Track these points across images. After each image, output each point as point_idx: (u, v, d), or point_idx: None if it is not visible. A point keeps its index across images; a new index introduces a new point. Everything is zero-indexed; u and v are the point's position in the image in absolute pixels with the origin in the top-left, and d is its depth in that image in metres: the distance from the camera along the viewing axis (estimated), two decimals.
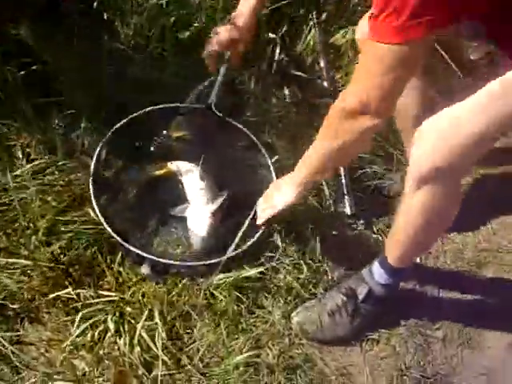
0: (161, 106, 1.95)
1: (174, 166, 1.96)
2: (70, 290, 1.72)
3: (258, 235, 1.82)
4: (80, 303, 1.72)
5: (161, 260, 1.76)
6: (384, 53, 1.35)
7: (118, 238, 1.76)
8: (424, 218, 1.55)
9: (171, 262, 1.78)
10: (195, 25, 2.11)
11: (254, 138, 1.98)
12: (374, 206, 2.07)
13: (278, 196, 1.78)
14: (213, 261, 1.78)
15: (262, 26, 2.16)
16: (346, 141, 1.53)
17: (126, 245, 1.76)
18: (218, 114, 1.96)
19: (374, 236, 2.03)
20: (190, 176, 1.92)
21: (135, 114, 1.91)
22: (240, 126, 1.99)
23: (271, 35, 2.23)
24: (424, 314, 1.92)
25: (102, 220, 1.77)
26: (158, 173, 1.95)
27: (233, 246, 1.77)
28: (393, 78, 1.39)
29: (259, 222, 1.82)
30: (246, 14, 1.82)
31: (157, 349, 1.66)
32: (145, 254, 1.76)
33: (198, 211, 1.86)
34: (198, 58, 2.02)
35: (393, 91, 1.44)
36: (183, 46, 2.11)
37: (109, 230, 1.76)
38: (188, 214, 1.87)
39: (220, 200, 1.86)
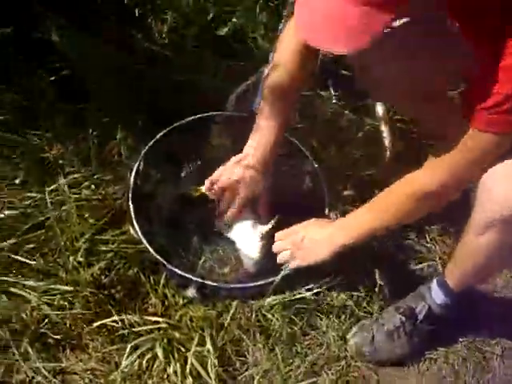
0: (201, 115, 1.81)
1: None
2: (115, 317, 1.61)
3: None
4: (126, 330, 1.61)
5: (211, 283, 1.65)
6: (500, 142, 1.29)
7: (163, 261, 1.65)
8: (494, 256, 1.47)
9: (222, 285, 1.68)
10: (233, 20, 1.96)
11: (299, 144, 1.86)
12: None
13: (310, 249, 1.64)
14: (266, 281, 1.66)
15: None
16: (412, 216, 1.54)
17: (171, 267, 1.64)
18: None
19: (428, 245, 1.93)
20: None
21: (175, 125, 1.78)
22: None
23: None
24: (481, 329, 1.82)
25: (145, 241, 1.66)
26: (193, 194, 1.80)
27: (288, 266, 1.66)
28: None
29: (280, 260, 1.69)
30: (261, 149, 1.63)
31: (210, 378, 1.57)
32: (192, 277, 1.64)
33: (247, 231, 1.74)
34: (236, 56, 1.92)
35: None
36: (221, 43, 1.97)
37: (153, 252, 1.65)
38: (236, 234, 1.75)
39: (272, 222, 1.73)
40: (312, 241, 1.64)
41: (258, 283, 1.67)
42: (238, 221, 1.75)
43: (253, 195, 1.69)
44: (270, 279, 1.66)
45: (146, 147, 1.76)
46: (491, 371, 1.78)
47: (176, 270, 1.64)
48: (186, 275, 1.64)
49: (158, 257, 1.65)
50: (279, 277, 1.64)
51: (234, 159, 1.65)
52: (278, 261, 1.68)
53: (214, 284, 1.66)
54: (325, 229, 1.64)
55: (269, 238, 1.71)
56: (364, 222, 1.58)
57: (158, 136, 1.77)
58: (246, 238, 1.73)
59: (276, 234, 1.69)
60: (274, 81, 1.60)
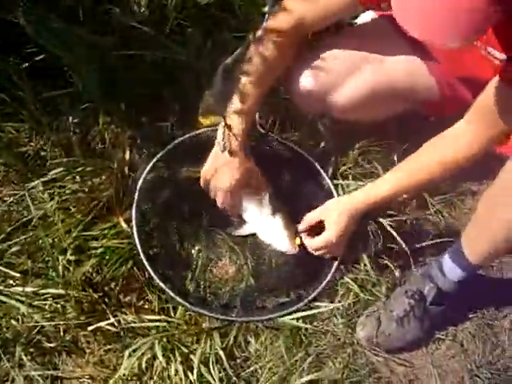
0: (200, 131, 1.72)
1: None
2: (111, 320, 1.54)
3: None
4: (122, 331, 1.55)
5: (220, 317, 1.60)
6: None
7: (167, 289, 1.59)
8: None
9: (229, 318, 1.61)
10: None
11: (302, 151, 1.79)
12: None
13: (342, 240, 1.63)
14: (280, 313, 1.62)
15: None
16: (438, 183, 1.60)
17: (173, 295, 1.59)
18: (261, 130, 1.75)
19: (433, 218, 1.84)
20: None
21: (176, 141, 1.70)
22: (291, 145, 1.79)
23: None
24: (489, 303, 1.78)
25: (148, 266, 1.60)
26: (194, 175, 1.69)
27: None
28: None
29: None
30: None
31: (212, 377, 1.51)
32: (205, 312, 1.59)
33: (269, 222, 1.66)
34: (223, 26, 1.79)
35: None
36: (205, 13, 1.82)
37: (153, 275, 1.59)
38: (258, 228, 1.68)
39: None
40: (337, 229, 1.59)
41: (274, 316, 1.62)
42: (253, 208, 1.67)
43: (243, 179, 1.60)
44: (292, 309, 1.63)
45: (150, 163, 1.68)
46: (500, 346, 1.74)
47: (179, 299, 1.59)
48: (199, 310, 1.60)
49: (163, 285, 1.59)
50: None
51: (209, 162, 1.60)
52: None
53: (223, 317, 1.60)
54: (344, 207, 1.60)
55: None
56: (388, 187, 1.55)
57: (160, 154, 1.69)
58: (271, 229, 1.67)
59: (306, 242, 1.66)
60: (255, 52, 1.52)
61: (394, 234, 1.70)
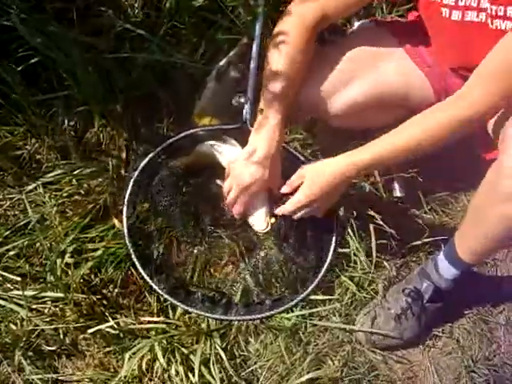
0: (195, 130, 1.63)
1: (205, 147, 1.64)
2: (110, 322, 1.54)
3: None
4: (122, 333, 1.55)
5: (223, 318, 1.55)
6: None
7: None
8: (507, 229, 1.39)
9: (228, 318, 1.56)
10: None
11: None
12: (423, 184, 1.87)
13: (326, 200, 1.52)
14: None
15: None
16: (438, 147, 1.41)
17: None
18: None
19: (427, 216, 1.86)
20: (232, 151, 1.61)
21: (170, 141, 1.60)
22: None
23: None
24: (484, 299, 1.79)
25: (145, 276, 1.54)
26: (185, 161, 1.64)
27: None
28: None
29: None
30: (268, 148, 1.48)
31: (213, 378, 1.52)
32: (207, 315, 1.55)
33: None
34: (216, 29, 1.80)
35: None
36: (198, 16, 1.82)
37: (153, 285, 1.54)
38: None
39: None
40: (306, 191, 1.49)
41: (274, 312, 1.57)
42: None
43: (260, 189, 1.56)
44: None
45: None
46: (496, 342, 1.76)
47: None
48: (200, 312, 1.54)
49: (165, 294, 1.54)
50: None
51: (242, 155, 1.52)
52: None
53: (225, 318, 1.55)
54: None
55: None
56: (385, 146, 1.43)
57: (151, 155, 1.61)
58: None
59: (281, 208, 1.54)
60: (279, 55, 1.46)
61: (390, 231, 1.71)
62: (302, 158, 1.68)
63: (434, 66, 1.57)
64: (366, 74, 1.57)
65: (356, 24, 1.82)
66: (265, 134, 1.49)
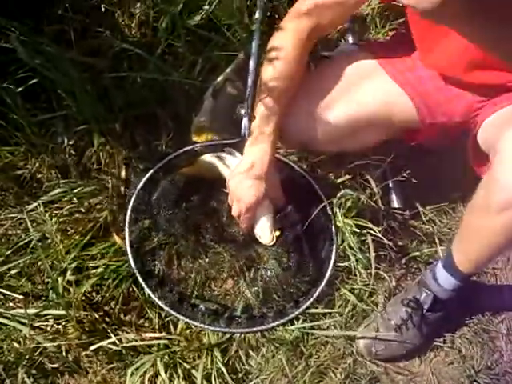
0: (193, 147, 1.71)
1: (207, 158, 1.68)
2: (112, 338, 1.55)
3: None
4: (124, 349, 1.56)
5: (225, 330, 1.61)
6: None
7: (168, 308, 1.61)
8: (505, 239, 1.40)
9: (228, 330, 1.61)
10: (205, 7, 1.85)
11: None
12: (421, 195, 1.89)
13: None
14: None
15: None
16: None
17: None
18: None
19: (425, 227, 1.87)
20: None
21: (170, 157, 1.69)
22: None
23: None
24: (485, 308, 1.80)
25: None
26: (187, 172, 1.68)
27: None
28: None
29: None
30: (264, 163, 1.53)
31: None
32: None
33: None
34: (212, 46, 1.83)
35: None
36: (194, 34, 1.85)
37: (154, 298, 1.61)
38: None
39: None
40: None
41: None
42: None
43: (261, 203, 1.59)
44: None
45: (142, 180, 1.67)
46: (498, 351, 1.76)
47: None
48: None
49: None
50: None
51: (239, 170, 1.55)
52: None
53: (226, 330, 1.61)
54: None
55: None
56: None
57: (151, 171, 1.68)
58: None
59: None
60: (273, 69, 1.51)
61: (389, 243, 1.72)
62: (298, 168, 1.72)
63: (417, 84, 1.58)
64: (346, 96, 1.58)
65: (337, 48, 1.84)
66: (261, 148, 1.52)
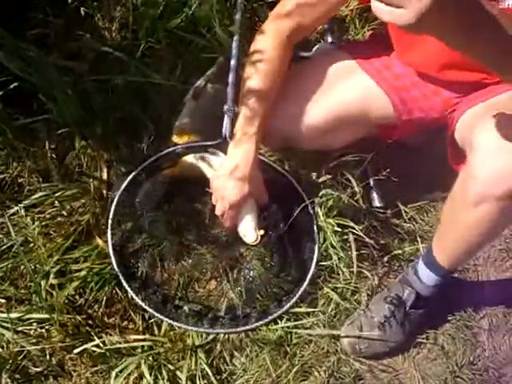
0: (173, 149, 1.71)
1: (190, 159, 1.69)
2: (96, 341, 1.55)
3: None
4: (108, 352, 1.56)
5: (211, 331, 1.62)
6: None
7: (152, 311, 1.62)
8: (479, 232, 1.42)
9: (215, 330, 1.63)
10: (185, 10, 1.85)
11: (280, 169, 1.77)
12: (402, 194, 1.90)
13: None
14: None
15: None
16: None
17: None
18: None
19: (407, 225, 1.88)
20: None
21: (152, 159, 1.69)
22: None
23: None
24: (467, 304, 1.82)
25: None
26: (170, 173, 1.70)
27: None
28: None
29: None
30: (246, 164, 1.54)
31: None
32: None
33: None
34: (192, 49, 1.83)
35: None
36: (174, 37, 1.86)
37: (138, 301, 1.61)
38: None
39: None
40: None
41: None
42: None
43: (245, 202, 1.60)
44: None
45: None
46: (480, 347, 1.78)
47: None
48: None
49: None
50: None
51: (223, 171, 1.56)
52: None
53: (212, 331, 1.62)
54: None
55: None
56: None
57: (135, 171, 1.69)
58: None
59: None
60: (255, 70, 1.52)
61: (370, 242, 1.73)
62: (279, 168, 1.73)
63: (393, 81, 1.60)
64: (326, 95, 1.60)
65: (314, 48, 1.85)
66: (245, 148, 1.53)
